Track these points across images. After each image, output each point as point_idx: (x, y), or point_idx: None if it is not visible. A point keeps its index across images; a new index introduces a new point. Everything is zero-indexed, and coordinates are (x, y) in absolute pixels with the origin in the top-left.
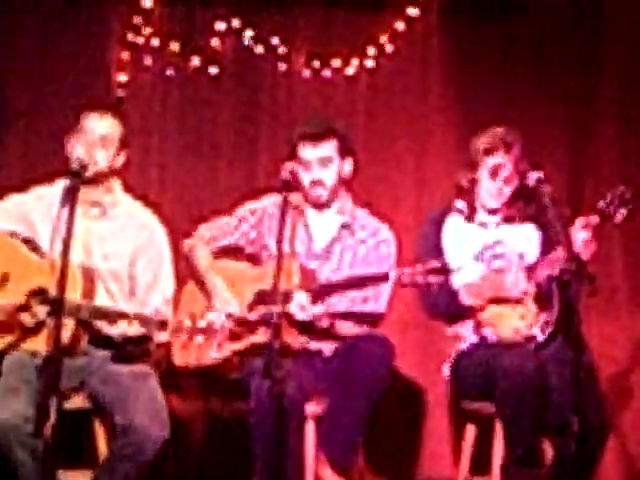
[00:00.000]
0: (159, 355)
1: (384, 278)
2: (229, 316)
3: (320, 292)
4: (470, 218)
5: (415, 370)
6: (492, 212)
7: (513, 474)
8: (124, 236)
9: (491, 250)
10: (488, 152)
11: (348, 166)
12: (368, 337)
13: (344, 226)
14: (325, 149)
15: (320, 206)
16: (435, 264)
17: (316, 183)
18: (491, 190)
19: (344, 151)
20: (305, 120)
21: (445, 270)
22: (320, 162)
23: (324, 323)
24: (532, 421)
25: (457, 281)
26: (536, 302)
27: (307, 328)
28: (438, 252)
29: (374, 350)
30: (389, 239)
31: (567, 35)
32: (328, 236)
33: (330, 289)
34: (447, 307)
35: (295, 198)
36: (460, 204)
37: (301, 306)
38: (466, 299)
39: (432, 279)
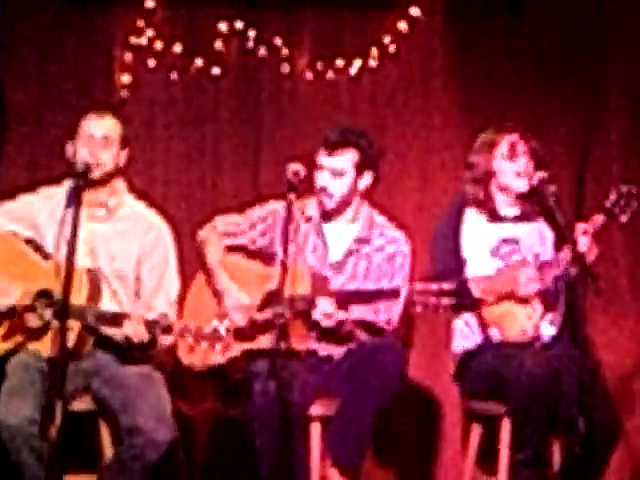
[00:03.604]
0: (163, 357)
1: (395, 293)
2: (242, 315)
3: (338, 300)
4: (488, 212)
5: (420, 370)
6: (519, 197)
7: (521, 475)
8: (130, 237)
9: (507, 246)
10: (494, 144)
11: (366, 180)
12: (381, 343)
13: (359, 240)
14: (339, 161)
15: (326, 214)
16: (449, 285)
17: (322, 190)
18: (516, 169)
19: (363, 165)
20: (336, 126)
21: (459, 293)
22: (332, 172)
23: (347, 327)
24: (544, 423)
25: (470, 272)
26: (542, 302)
27: (327, 334)
28: (455, 246)
29: (387, 356)
30: (405, 250)
31: (571, 36)
32: (343, 248)
33: (342, 299)
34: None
35: (309, 204)
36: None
37: (327, 314)
38: (476, 292)
39: (444, 301)
